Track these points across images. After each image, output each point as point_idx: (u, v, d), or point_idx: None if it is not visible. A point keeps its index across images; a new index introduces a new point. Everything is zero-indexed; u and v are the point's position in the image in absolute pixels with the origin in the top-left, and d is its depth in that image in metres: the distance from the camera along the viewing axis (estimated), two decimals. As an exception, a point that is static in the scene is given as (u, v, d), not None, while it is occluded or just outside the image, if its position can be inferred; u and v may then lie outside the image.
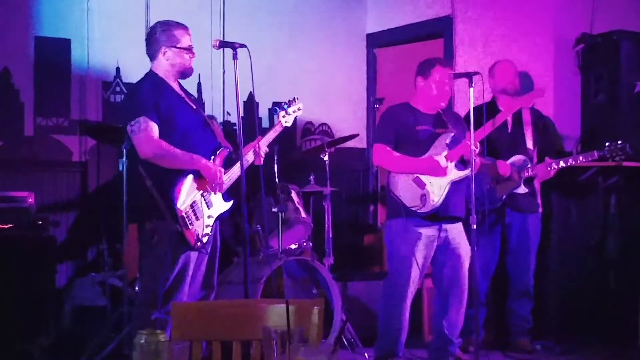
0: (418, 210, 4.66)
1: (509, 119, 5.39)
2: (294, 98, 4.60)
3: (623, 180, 5.63)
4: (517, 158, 5.27)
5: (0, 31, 5.64)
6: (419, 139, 4.75)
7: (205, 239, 4.04)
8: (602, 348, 5.32)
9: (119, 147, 4.96)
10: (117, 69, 6.01)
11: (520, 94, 5.41)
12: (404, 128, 4.77)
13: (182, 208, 3.93)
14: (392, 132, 4.79)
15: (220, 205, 4.15)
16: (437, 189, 4.67)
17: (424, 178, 4.69)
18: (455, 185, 4.71)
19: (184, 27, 4.16)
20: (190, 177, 4.01)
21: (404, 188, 4.71)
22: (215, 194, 4.12)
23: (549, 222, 5.62)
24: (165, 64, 4.11)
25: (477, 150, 4.61)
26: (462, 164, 4.76)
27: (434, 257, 4.77)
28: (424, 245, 4.70)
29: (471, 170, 4.50)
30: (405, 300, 4.73)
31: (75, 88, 5.89)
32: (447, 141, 4.73)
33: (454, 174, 4.71)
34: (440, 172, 4.66)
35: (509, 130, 5.39)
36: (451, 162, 4.70)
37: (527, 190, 5.26)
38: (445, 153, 4.70)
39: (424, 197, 4.67)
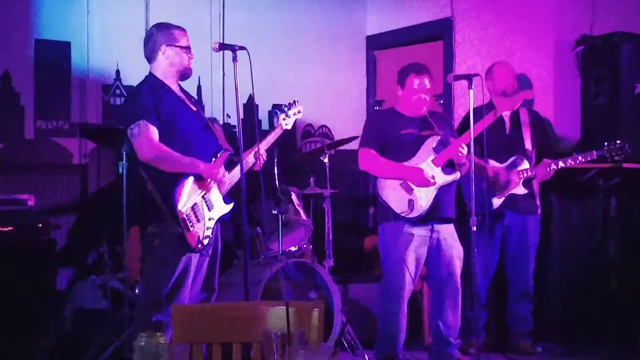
0: (407, 216, 4.64)
1: (507, 121, 5.38)
2: (294, 101, 4.58)
3: (623, 182, 5.62)
4: (510, 160, 5.26)
5: (1, 34, 5.65)
6: (404, 143, 4.73)
7: (206, 241, 4.04)
8: (603, 350, 5.31)
9: (119, 150, 4.96)
10: (117, 71, 6.01)
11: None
12: (388, 132, 4.76)
13: (183, 210, 3.93)
14: (377, 137, 4.78)
15: (221, 207, 4.15)
16: (424, 194, 4.64)
17: (411, 182, 4.67)
18: (443, 188, 4.67)
19: (181, 29, 4.16)
20: (190, 179, 4.00)
21: (391, 193, 4.69)
22: (218, 190, 4.12)
23: (549, 224, 5.61)
24: (164, 64, 4.10)
25: (465, 153, 4.59)
26: (450, 167, 4.74)
27: (427, 258, 4.76)
28: (417, 246, 4.69)
29: (471, 173, 4.48)
30: (401, 302, 4.72)
31: (75, 91, 5.89)
32: (434, 145, 4.70)
33: (442, 179, 4.67)
34: (426, 183, 4.62)
35: (507, 132, 5.38)
36: (438, 166, 4.67)
37: (526, 191, 5.25)
38: (431, 158, 4.68)
39: (411, 203, 4.64)
